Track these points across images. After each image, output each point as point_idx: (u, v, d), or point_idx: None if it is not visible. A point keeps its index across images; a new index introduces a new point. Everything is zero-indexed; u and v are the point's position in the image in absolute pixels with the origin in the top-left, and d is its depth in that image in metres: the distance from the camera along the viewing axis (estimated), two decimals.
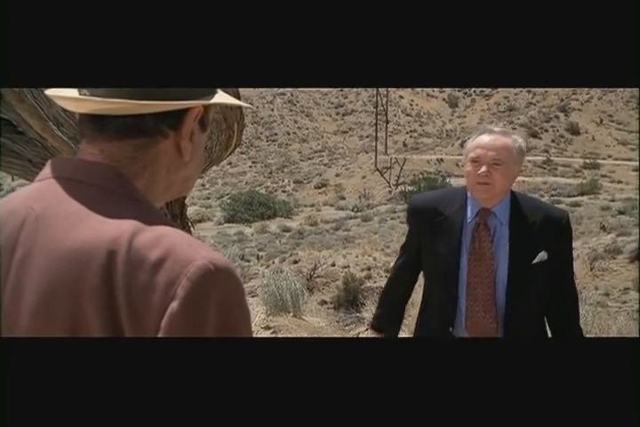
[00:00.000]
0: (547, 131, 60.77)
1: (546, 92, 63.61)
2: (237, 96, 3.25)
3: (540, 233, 2.51)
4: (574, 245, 2.90)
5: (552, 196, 39.32)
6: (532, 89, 63.89)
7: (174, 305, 0.92)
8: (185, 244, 0.95)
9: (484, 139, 2.54)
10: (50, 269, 0.96)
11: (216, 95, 1.10)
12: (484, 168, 2.49)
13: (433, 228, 2.58)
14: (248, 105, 1.30)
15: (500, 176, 2.49)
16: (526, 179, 46.50)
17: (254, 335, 1.05)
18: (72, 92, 1.05)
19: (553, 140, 59.65)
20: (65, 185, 1.02)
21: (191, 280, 0.92)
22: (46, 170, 1.06)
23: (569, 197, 37.54)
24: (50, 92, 1.07)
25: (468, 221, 2.55)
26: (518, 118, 62.12)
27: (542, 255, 2.50)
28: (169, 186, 1.09)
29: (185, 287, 0.92)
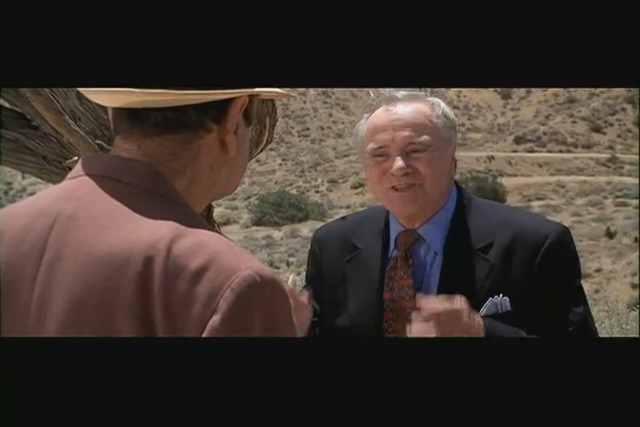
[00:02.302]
0: (612, 125, 59.96)
1: None
2: None
3: (502, 264, 1.62)
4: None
5: (617, 197, 38.76)
6: None
7: (216, 319, 0.91)
8: (228, 252, 0.94)
9: (384, 114, 1.68)
10: (81, 275, 0.96)
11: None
12: (398, 162, 1.62)
13: (341, 271, 1.74)
14: (293, 94, 1.26)
15: (428, 169, 1.63)
16: (588, 178, 45.90)
17: None
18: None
19: (619, 136, 58.84)
20: (98, 184, 1.01)
21: (235, 292, 0.91)
22: (78, 167, 1.07)
23: (636, 198, 36.99)
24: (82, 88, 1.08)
25: (391, 254, 1.71)
26: (579, 111, 61.40)
27: (496, 303, 1.61)
28: (212, 185, 1.08)
29: (228, 300, 0.91)
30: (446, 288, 1.60)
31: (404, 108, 1.67)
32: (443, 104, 1.71)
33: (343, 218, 1.89)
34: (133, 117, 1.03)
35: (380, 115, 1.69)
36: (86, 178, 1.03)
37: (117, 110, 1.04)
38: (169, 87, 1.01)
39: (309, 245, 1.87)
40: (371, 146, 1.67)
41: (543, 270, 1.62)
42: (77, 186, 1.03)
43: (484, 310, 1.60)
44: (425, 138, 1.64)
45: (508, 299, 1.61)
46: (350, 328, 1.68)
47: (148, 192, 1.00)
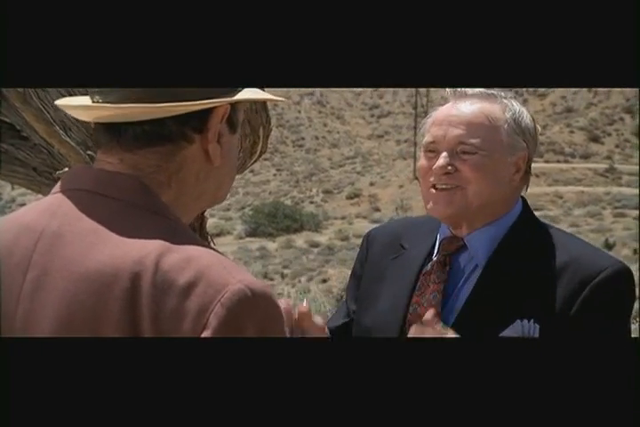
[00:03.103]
0: (610, 135, 60.12)
1: (609, 90, 63.09)
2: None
3: (545, 289, 1.52)
4: None
5: (615, 208, 38.81)
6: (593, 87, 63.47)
7: (206, 334, 0.91)
8: (218, 266, 0.94)
9: (446, 109, 1.63)
10: (67, 292, 0.96)
11: (242, 91, 1.09)
12: (441, 160, 1.57)
13: (383, 269, 1.71)
14: (280, 99, 1.24)
15: (473, 173, 1.56)
16: (586, 189, 45.99)
17: None
18: (84, 100, 1.06)
19: (617, 146, 58.99)
20: (84, 199, 1.01)
21: (225, 307, 0.91)
22: (64, 180, 1.07)
23: (635, 209, 37.03)
24: (60, 101, 1.09)
25: (434, 258, 1.66)
26: (577, 121, 61.59)
27: (524, 327, 1.51)
28: (200, 195, 1.08)
29: (218, 315, 0.91)
30: (475, 303, 1.54)
31: (470, 105, 1.60)
32: (519, 108, 1.62)
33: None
34: (111, 132, 1.03)
35: (443, 109, 1.64)
36: (71, 193, 1.03)
37: (96, 124, 1.04)
38: (143, 100, 1.01)
39: (360, 243, 1.85)
40: (425, 139, 1.63)
41: (587, 305, 1.51)
42: (62, 201, 1.02)
43: (506, 331, 1.51)
44: (478, 139, 1.56)
45: (538, 326, 1.50)
46: (373, 328, 1.65)
47: (135, 206, 0.99)
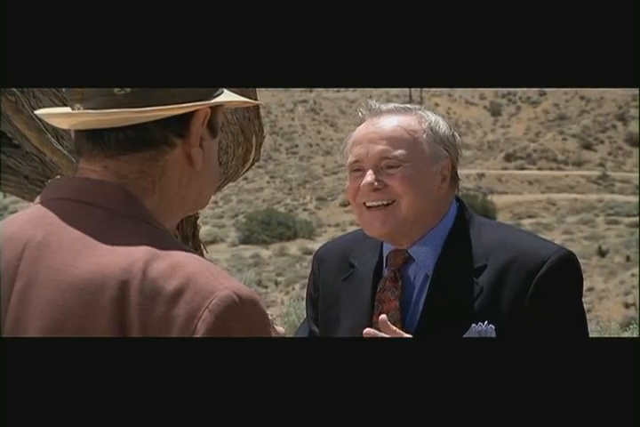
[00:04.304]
0: (602, 142, 60.39)
1: (601, 98, 63.40)
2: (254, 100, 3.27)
3: (492, 289, 1.55)
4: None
5: (608, 215, 38.96)
6: (586, 95, 63.73)
7: None
8: (206, 272, 0.95)
9: (364, 128, 1.65)
10: (55, 302, 0.96)
11: (222, 95, 1.09)
12: (368, 177, 1.58)
13: (337, 290, 1.70)
14: (259, 102, 1.31)
15: (402, 186, 1.58)
16: (579, 196, 46.17)
17: None
18: (64, 109, 1.06)
19: (610, 153, 59.25)
20: (68, 208, 1.01)
21: (213, 313, 0.92)
22: (47, 190, 1.07)
23: (628, 216, 37.20)
24: (40, 111, 1.09)
25: (384, 274, 1.66)
26: (570, 128, 61.86)
27: (480, 331, 1.53)
28: (182, 201, 1.08)
29: (206, 321, 0.92)
30: (431, 314, 1.57)
31: (387, 121, 1.63)
32: (434, 118, 1.65)
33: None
34: (93, 138, 1.03)
35: (361, 128, 1.66)
36: (55, 202, 1.02)
37: (77, 132, 1.05)
38: (124, 106, 1.01)
39: (310, 264, 1.84)
40: (349, 160, 1.64)
41: (535, 300, 1.54)
42: (46, 211, 1.02)
43: (467, 335, 1.54)
44: (400, 152, 1.58)
45: (493, 327, 1.53)
46: None
47: (120, 214, 0.99)
